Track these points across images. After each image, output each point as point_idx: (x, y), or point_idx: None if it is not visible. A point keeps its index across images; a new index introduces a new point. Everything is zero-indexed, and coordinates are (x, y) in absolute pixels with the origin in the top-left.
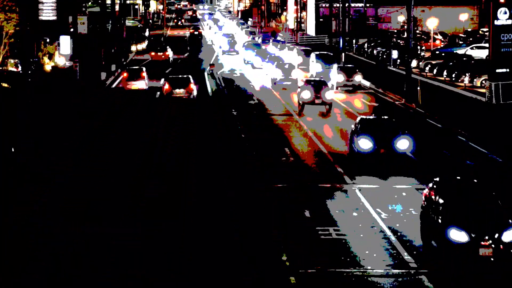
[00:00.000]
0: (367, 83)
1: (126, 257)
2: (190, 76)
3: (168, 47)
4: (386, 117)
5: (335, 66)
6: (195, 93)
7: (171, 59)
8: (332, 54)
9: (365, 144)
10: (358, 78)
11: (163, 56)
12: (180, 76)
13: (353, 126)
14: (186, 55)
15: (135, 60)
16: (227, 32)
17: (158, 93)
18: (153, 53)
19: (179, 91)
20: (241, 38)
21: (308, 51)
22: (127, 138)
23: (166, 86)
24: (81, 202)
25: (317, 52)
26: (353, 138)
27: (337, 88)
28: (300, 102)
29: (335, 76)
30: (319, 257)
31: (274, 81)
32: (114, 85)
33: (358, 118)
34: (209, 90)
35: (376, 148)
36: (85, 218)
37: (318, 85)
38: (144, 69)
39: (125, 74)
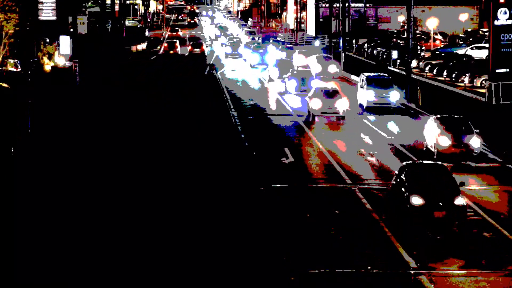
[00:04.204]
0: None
1: None
2: (202, 41)
3: (179, 29)
4: None
5: (431, 120)
6: (206, 51)
7: (182, 36)
8: (389, 77)
9: None
10: (476, 143)
11: (175, 34)
12: (196, 42)
13: None
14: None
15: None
16: (232, 36)
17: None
18: (169, 33)
19: (196, 50)
20: (243, 40)
21: (328, 58)
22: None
23: (189, 47)
24: None
25: (368, 74)
26: None
27: (437, 154)
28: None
29: (435, 138)
30: None
31: (314, 112)
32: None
33: None
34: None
35: None
36: None
37: (440, 183)
38: (177, 41)
39: (165, 45)
